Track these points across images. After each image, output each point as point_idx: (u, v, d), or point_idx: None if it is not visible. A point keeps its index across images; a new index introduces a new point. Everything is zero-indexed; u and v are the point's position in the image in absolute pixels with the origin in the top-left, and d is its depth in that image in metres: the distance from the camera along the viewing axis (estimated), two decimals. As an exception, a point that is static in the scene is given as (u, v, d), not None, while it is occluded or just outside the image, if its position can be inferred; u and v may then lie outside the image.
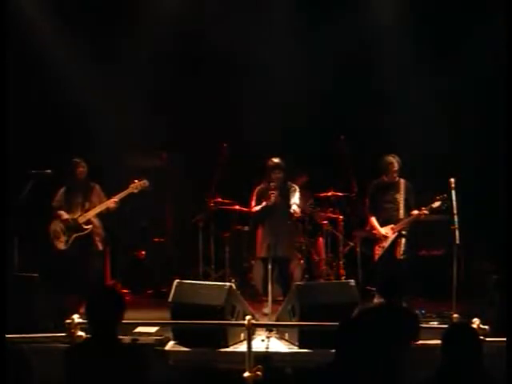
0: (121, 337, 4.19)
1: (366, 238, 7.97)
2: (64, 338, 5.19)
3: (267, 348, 5.76)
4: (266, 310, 7.01)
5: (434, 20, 8.74)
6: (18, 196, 6.96)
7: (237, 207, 8.64)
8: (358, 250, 8.61)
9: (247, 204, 7.95)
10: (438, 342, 3.41)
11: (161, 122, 9.18)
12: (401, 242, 7.21)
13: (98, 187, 7.69)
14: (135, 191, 7.61)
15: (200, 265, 8.61)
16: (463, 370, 3.27)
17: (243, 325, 5.04)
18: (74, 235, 7.44)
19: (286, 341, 5.95)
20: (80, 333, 5.05)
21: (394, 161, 7.27)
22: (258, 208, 7.55)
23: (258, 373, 4.72)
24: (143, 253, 9.34)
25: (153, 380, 3.63)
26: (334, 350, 3.41)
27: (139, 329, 6.10)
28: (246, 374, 4.73)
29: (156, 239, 9.45)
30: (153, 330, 6.16)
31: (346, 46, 8.79)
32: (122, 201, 7.61)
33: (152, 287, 8.83)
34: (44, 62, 8.96)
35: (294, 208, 7.48)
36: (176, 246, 9.39)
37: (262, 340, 5.89)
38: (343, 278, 8.21)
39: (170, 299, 5.99)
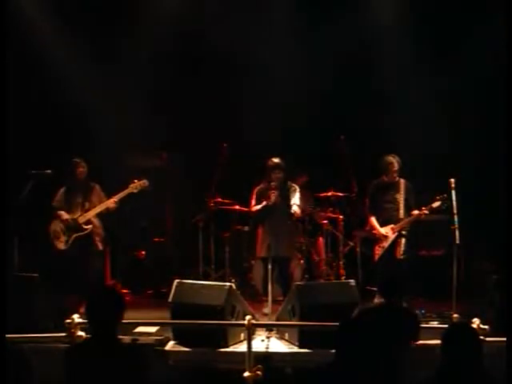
0: (121, 337, 4.20)
1: (366, 238, 7.98)
2: (64, 338, 5.19)
3: (267, 348, 5.76)
4: (266, 310, 7.01)
5: (434, 20, 8.74)
6: (18, 196, 6.96)
7: (237, 207, 8.64)
8: (357, 249, 8.62)
9: (247, 204, 7.95)
10: (438, 341, 3.41)
11: (161, 122, 9.18)
12: (401, 241, 7.21)
13: (97, 187, 7.69)
14: (135, 191, 7.61)
15: (200, 265, 8.61)
16: (463, 369, 3.27)
17: (243, 325, 5.04)
18: (74, 235, 7.44)
19: (286, 341, 5.95)
20: (80, 333, 5.05)
21: (393, 161, 7.27)
22: (258, 207, 7.55)
23: (258, 373, 4.72)
24: (143, 253, 9.34)
25: (153, 380, 3.63)
26: (334, 350, 3.41)
27: (139, 329, 6.10)
28: (246, 374, 4.73)
29: (156, 239, 9.45)
30: (153, 329, 6.17)
31: (346, 46, 8.79)
32: (121, 201, 7.61)
33: (152, 287, 8.83)
34: (44, 61, 8.96)
35: (295, 209, 7.48)
36: (176, 246, 9.39)
37: (262, 340, 5.89)
38: (343, 277, 8.21)
39: (170, 299, 5.99)
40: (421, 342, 4.99)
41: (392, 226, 7.22)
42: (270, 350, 5.74)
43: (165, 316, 6.16)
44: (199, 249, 8.64)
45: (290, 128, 9.00)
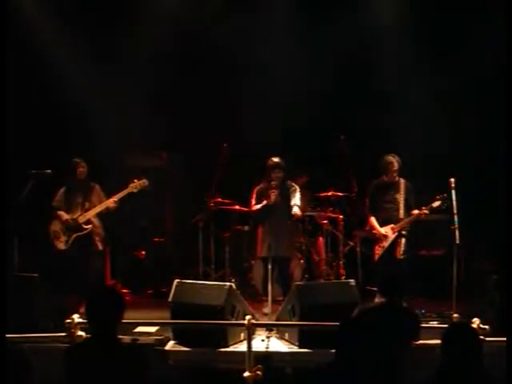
0: (121, 337, 4.20)
1: (366, 237, 7.98)
2: (64, 338, 5.18)
3: (267, 348, 5.75)
4: (266, 310, 7.01)
5: (434, 20, 8.75)
6: (18, 196, 6.96)
7: (237, 207, 8.64)
8: (358, 249, 8.62)
9: (247, 204, 7.96)
10: (438, 341, 3.41)
11: (161, 122, 9.18)
12: (401, 241, 7.21)
13: (97, 187, 7.68)
14: (135, 191, 7.61)
15: (200, 265, 8.61)
16: (463, 369, 3.27)
17: (243, 325, 5.04)
18: (74, 235, 7.44)
19: (286, 341, 5.94)
20: (80, 333, 5.05)
21: (393, 160, 7.27)
22: (258, 207, 7.55)
23: (258, 373, 4.72)
24: (143, 253, 9.34)
25: (153, 380, 3.62)
26: (334, 350, 3.41)
27: (139, 329, 6.10)
28: (246, 374, 4.73)
29: (156, 239, 9.46)
30: (153, 329, 6.16)
31: (346, 46, 8.79)
32: (121, 200, 7.61)
33: (152, 287, 8.83)
34: (44, 61, 8.96)
35: (296, 210, 7.49)
36: (176, 246, 9.40)
37: (262, 340, 5.89)
38: (343, 277, 8.21)
39: (170, 299, 5.99)
40: (421, 341, 4.99)
41: (392, 225, 7.22)
42: (269, 349, 5.73)
43: (165, 316, 6.16)
44: (199, 249, 8.64)
45: (290, 128, 9.00)
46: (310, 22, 9.00)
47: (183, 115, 9.32)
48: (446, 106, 8.90)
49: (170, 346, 5.83)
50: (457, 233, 6.70)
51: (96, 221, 7.59)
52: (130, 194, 7.63)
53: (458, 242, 6.71)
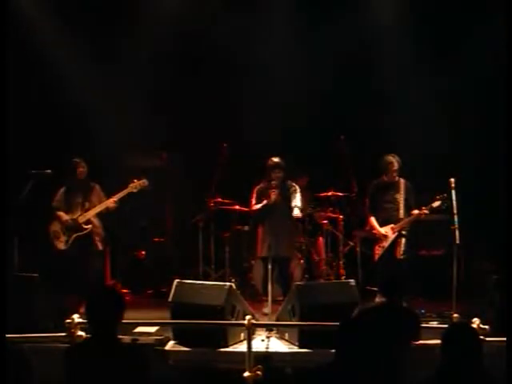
0: (121, 337, 4.21)
1: (366, 237, 7.98)
2: (64, 338, 5.18)
3: (267, 348, 5.75)
4: (266, 310, 7.02)
5: (434, 20, 8.74)
6: (18, 196, 6.96)
7: (237, 207, 8.64)
8: (357, 249, 8.62)
9: (247, 204, 7.96)
10: (438, 341, 3.41)
11: (161, 122, 9.18)
12: (401, 241, 7.21)
13: (97, 187, 7.68)
14: (134, 190, 7.61)
15: (200, 265, 8.61)
16: (463, 369, 3.27)
17: (243, 325, 5.04)
18: (74, 235, 7.44)
19: (286, 341, 5.94)
20: (80, 333, 5.05)
21: (393, 160, 7.27)
22: (258, 206, 7.55)
23: (258, 373, 4.72)
24: (143, 253, 9.34)
25: (153, 380, 3.62)
26: (334, 350, 3.41)
27: (139, 329, 6.10)
28: (246, 374, 4.73)
29: (156, 239, 9.46)
30: (153, 329, 6.16)
31: (346, 46, 8.79)
32: (121, 200, 7.60)
33: (152, 287, 8.83)
34: (44, 61, 8.97)
35: (297, 213, 7.50)
36: (176, 246, 9.40)
37: (262, 340, 5.89)
38: (343, 277, 8.21)
39: (170, 299, 5.99)
40: (421, 341, 4.99)
41: (392, 225, 7.22)
42: (269, 349, 5.73)
43: (165, 316, 6.16)
44: (199, 249, 8.64)
45: (290, 128, 9.00)
46: (310, 22, 9.00)
47: (183, 115, 9.32)
48: (446, 106, 8.90)
49: (170, 346, 5.83)
50: (457, 233, 6.70)
51: (96, 221, 7.59)
52: (130, 194, 7.63)
53: (458, 241, 6.71)
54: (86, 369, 3.49)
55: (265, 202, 7.46)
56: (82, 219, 7.47)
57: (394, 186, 7.33)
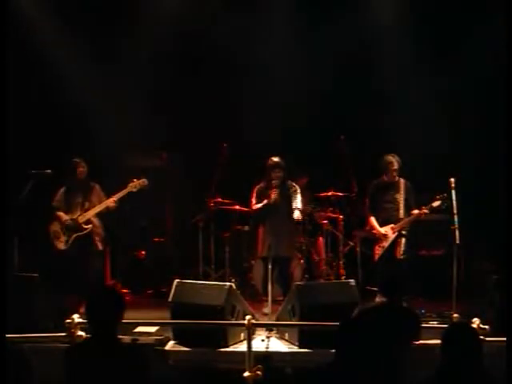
0: (121, 337, 4.20)
1: (366, 237, 7.98)
2: (64, 338, 5.18)
3: (267, 348, 5.75)
4: (266, 310, 7.01)
5: (434, 20, 8.75)
6: (18, 196, 6.96)
7: (237, 207, 8.64)
8: (357, 249, 8.62)
9: (247, 204, 7.96)
10: (438, 341, 3.41)
11: (161, 122, 9.18)
12: (401, 241, 7.21)
13: (97, 187, 7.68)
14: (134, 190, 7.61)
15: (200, 265, 8.61)
16: (463, 369, 3.27)
17: (243, 325, 5.04)
18: (74, 235, 7.44)
19: (286, 341, 5.94)
20: (80, 333, 5.05)
21: (393, 160, 7.27)
22: (258, 206, 7.55)
23: (258, 373, 4.72)
24: (143, 253, 9.34)
25: (153, 380, 3.62)
26: (334, 350, 3.41)
27: (139, 329, 6.10)
28: (246, 374, 4.73)
29: (156, 239, 9.46)
30: (153, 329, 6.16)
31: (346, 46, 8.80)
32: (121, 200, 7.60)
33: (152, 287, 8.83)
34: (44, 61, 8.97)
35: (297, 216, 7.51)
36: (176, 246, 9.40)
37: (262, 340, 5.89)
38: (343, 277, 8.21)
39: (170, 299, 5.99)
40: (421, 341, 4.99)
41: (392, 225, 7.22)
42: (269, 349, 5.73)
43: (165, 316, 6.16)
44: (199, 249, 8.64)
45: (290, 128, 9.00)
46: (310, 22, 9.00)
47: (183, 115, 9.32)
48: (446, 106, 8.90)
49: (170, 346, 5.83)
50: (457, 233, 6.70)
51: (96, 221, 7.59)
52: (130, 194, 7.63)
53: (458, 241, 6.71)
54: (86, 369, 3.49)
55: (265, 201, 7.46)
56: (81, 219, 7.47)
57: (394, 186, 7.33)
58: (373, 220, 7.35)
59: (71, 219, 7.46)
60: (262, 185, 7.63)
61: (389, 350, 3.84)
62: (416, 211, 7.19)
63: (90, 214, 7.50)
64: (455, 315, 6.21)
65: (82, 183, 7.60)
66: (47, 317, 6.22)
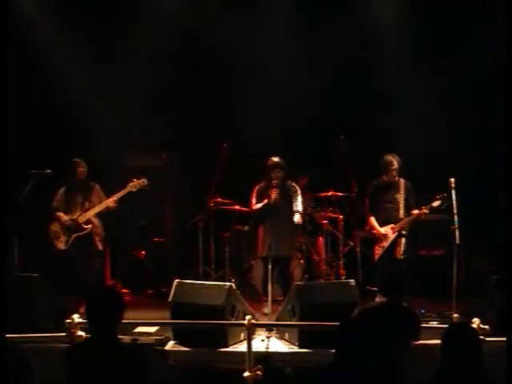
0: (121, 337, 4.20)
1: (366, 237, 7.98)
2: (64, 338, 5.18)
3: (267, 348, 5.75)
4: (266, 310, 7.01)
5: (434, 20, 8.75)
6: (18, 196, 6.96)
7: (237, 207, 8.64)
8: (357, 249, 8.62)
9: (247, 204, 7.96)
10: (438, 341, 3.41)
11: (161, 122, 9.18)
12: (401, 241, 7.21)
13: (98, 187, 7.68)
14: (134, 190, 7.61)
15: (200, 265, 8.61)
16: (463, 369, 3.27)
17: (243, 325, 5.04)
18: (74, 235, 7.44)
19: (286, 341, 5.94)
20: (80, 333, 5.05)
21: (393, 160, 7.27)
22: (259, 206, 7.55)
23: (258, 373, 4.72)
24: (143, 253, 9.34)
25: (153, 380, 3.62)
26: (334, 350, 3.41)
27: (139, 329, 6.10)
28: (246, 374, 4.73)
29: (156, 239, 9.46)
30: (153, 329, 6.16)
31: (346, 46, 8.80)
32: (121, 200, 7.60)
33: (152, 287, 8.83)
34: (44, 61, 8.97)
35: (297, 219, 7.52)
36: (176, 246, 9.40)
37: (262, 340, 5.89)
38: (343, 277, 8.21)
39: (170, 299, 5.99)
40: (421, 341, 4.99)
41: (392, 225, 7.22)
42: (269, 349, 5.73)
43: (165, 316, 6.16)
44: (199, 249, 8.64)
45: (290, 128, 9.00)
46: (310, 22, 9.00)
47: (183, 115, 9.32)
48: (446, 106, 8.90)
49: (170, 346, 5.83)
50: (457, 233, 6.70)
51: (96, 221, 7.59)
52: (130, 194, 7.63)
53: (458, 242, 6.71)
54: (85, 369, 3.49)
55: (265, 201, 7.46)
56: (81, 219, 7.47)
57: (394, 186, 7.33)
58: (373, 220, 7.35)
59: (71, 219, 7.46)
60: (262, 185, 7.64)
61: (389, 350, 3.84)
62: (416, 211, 7.20)
63: (90, 213, 7.50)
64: (455, 315, 6.21)
65: (82, 183, 7.60)
66: (47, 317, 6.23)
